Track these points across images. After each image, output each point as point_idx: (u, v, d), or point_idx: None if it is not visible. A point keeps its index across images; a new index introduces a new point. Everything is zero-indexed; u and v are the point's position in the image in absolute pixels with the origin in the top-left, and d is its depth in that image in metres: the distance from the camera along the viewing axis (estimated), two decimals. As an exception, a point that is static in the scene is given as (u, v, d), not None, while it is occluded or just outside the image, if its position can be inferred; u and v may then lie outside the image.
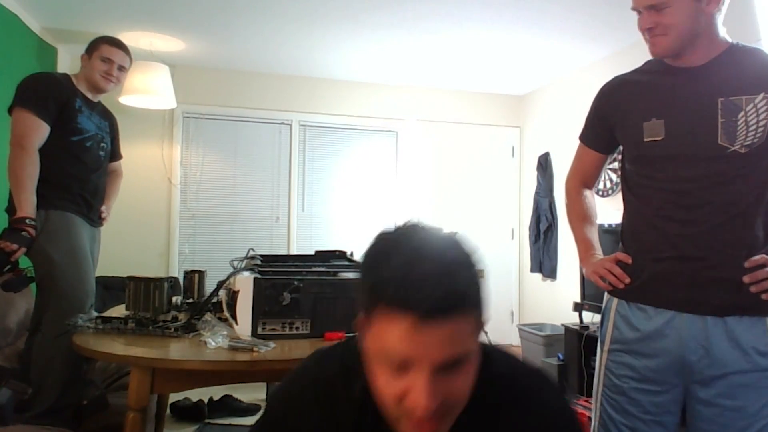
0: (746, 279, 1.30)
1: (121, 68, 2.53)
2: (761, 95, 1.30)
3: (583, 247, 1.59)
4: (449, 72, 4.88)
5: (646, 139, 1.40)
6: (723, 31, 1.38)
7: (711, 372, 1.32)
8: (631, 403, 1.41)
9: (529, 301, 5.43)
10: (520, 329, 4.67)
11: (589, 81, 4.51)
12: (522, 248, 5.53)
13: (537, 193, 5.22)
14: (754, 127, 1.30)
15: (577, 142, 1.68)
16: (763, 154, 1.32)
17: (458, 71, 4.86)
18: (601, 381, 1.49)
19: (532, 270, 5.27)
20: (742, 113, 1.30)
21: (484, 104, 5.53)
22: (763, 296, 1.30)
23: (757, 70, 1.33)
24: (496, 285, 5.52)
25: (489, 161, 5.59)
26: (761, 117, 1.30)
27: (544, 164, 5.13)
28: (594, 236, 1.60)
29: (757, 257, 1.32)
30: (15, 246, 2.13)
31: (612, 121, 1.52)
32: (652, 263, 1.41)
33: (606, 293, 1.53)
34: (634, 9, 1.40)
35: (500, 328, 5.38)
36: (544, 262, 5.08)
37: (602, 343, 1.51)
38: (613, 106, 1.52)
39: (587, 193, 1.67)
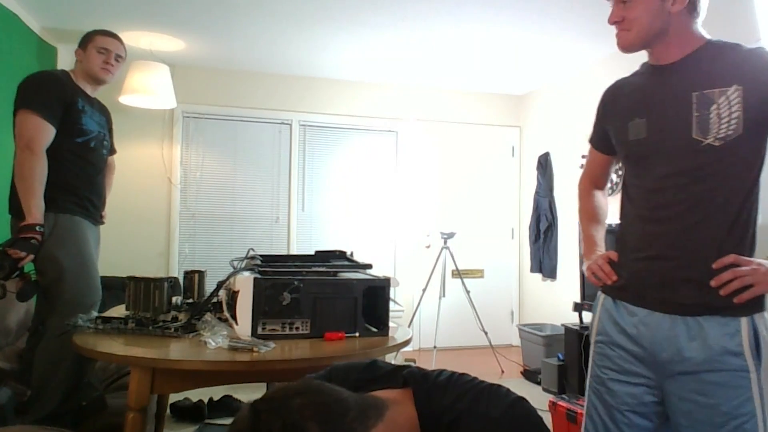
0: (713, 283, 1.30)
1: (118, 57, 2.51)
2: (733, 87, 1.29)
3: (587, 244, 1.66)
4: (449, 71, 4.88)
5: (630, 139, 1.45)
6: (700, 30, 1.40)
7: (682, 368, 1.33)
8: (609, 394, 1.46)
9: (529, 301, 5.42)
10: (520, 329, 4.67)
11: (589, 81, 4.51)
12: (522, 248, 5.53)
13: (537, 192, 5.22)
14: (726, 119, 1.29)
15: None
16: (738, 148, 1.30)
17: (458, 71, 4.86)
18: (590, 372, 1.55)
19: (532, 270, 5.27)
20: (715, 105, 1.30)
21: (484, 104, 5.53)
22: (735, 299, 1.28)
23: (731, 63, 1.33)
24: (496, 285, 5.53)
25: (489, 161, 5.59)
26: (734, 109, 1.29)
27: (544, 164, 5.13)
28: (598, 234, 1.65)
29: (726, 258, 1.30)
30: (23, 254, 2.11)
31: (607, 124, 1.57)
32: (632, 262, 1.45)
33: (599, 289, 1.59)
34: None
35: (500, 328, 5.39)
36: (544, 262, 5.08)
37: (590, 336, 1.58)
38: (607, 109, 1.57)
39: (597, 193, 1.72)
